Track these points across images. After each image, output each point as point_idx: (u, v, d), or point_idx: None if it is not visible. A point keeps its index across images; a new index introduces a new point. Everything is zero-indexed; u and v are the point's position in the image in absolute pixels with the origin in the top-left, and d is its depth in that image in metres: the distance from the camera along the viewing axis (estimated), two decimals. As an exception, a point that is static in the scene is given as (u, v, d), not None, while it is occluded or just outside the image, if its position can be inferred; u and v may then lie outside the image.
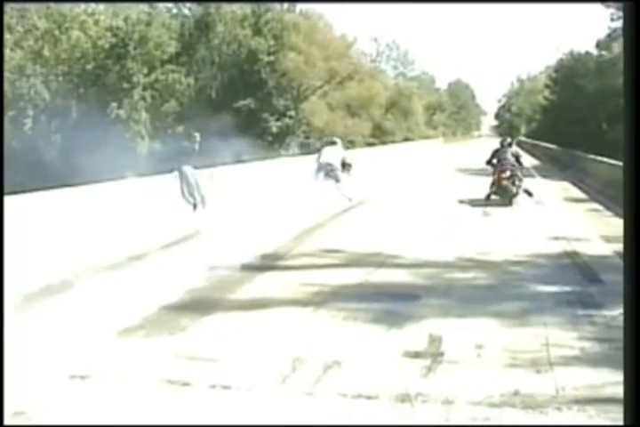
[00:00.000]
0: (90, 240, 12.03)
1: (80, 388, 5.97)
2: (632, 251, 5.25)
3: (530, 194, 20.76)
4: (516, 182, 20.17)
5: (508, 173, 20.13)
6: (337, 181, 20.97)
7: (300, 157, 34.36)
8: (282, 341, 7.21)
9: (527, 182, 22.88)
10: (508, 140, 22.48)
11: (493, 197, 20.36)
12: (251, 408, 5.57)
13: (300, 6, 57.12)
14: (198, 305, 8.67)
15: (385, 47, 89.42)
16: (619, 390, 5.77)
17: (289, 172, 24.21)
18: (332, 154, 21.61)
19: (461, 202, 20.61)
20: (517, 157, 21.05)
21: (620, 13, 45.30)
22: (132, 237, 13.26)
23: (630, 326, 5.04)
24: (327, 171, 21.07)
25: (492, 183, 20.51)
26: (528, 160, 45.54)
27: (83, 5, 47.08)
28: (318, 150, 22.69)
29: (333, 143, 22.40)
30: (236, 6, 52.55)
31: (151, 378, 6.16)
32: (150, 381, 6.10)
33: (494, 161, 20.87)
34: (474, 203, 20.24)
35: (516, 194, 20.07)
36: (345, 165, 21.64)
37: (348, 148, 36.88)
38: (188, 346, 7.04)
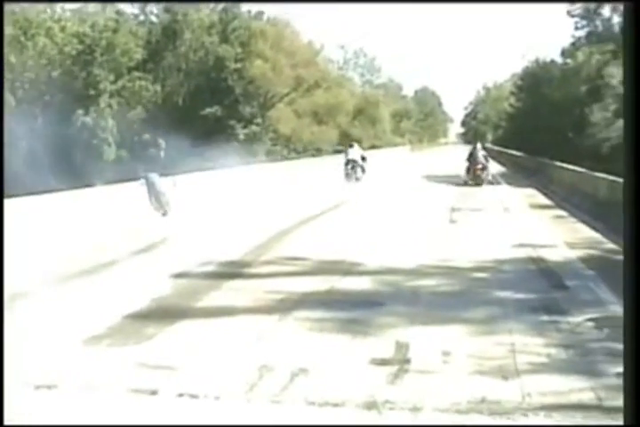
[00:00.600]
0: (57, 247, 11.97)
1: (46, 398, 5.92)
2: (632, 251, 5.27)
3: (492, 183, 30.79)
4: (485, 172, 30.46)
5: (480, 166, 30.33)
6: (362, 170, 32.98)
7: (266, 164, 34.43)
8: (248, 349, 7.20)
9: (493, 190, 24.95)
10: (479, 145, 32.35)
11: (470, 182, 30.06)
12: (218, 417, 5.55)
13: (267, 14, 57.15)
14: (164, 313, 8.65)
15: (352, 55, 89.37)
16: (584, 397, 5.84)
17: (253, 179, 24.27)
18: (355, 153, 33.48)
19: (427, 209, 20.73)
20: (485, 157, 31.15)
21: (584, 22, 45.74)
22: (99, 244, 13.22)
23: (630, 326, 5.07)
24: (353, 164, 32.82)
25: (467, 172, 30.78)
26: (494, 167, 45.98)
27: (49, 11, 46.82)
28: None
29: (352, 146, 34.60)
30: (203, 13, 52.50)
31: (118, 387, 6.12)
32: (117, 390, 6.07)
33: (471, 159, 30.86)
34: (439, 209, 20.35)
35: (484, 179, 30.06)
36: (363, 158, 33.51)
37: (314, 155, 40.24)
38: (155, 355, 7.01)
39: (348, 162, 33.00)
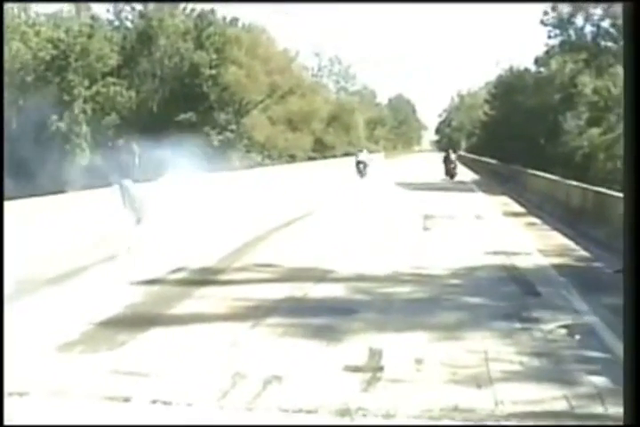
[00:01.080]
0: (29, 254, 11.91)
1: (19, 405, 5.88)
2: (632, 252, 5.30)
3: (453, 175, 43.66)
4: (455, 170, 43.94)
5: (452, 165, 43.80)
6: (366, 167, 44.74)
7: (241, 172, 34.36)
8: (222, 356, 7.19)
9: (467, 197, 25.09)
10: (451, 151, 45.76)
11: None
12: (191, 423, 5.54)
13: (242, 20, 57.12)
14: (137, 320, 8.62)
15: (327, 62, 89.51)
16: (556, 405, 5.86)
17: (229, 185, 24.24)
18: (363, 156, 45.85)
19: (400, 216, 20.76)
20: (456, 160, 45.62)
21: (557, 31, 46.09)
22: (71, 250, 13.17)
23: (630, 327, 5.09)
24: (363, 164, 44.64)
25: (446, 167, 43.94)
26: (468, 175, 46.55)
27: (23, 16, 46.61)
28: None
29: (361, 151, 47.43)
30: (178, 19, 52.41)
31: (91, 394, 6.09)
32: (90, 397, 6.04)
33: (446, 161, 44.48)
34: (412, 217, 20.36)
35: (455, 175, 43.38)
36: (367, 160, 46.12)
37: (288, 162, 42.07)
38: (128, 362, 6.98)
39: (358, 162, 45.13)
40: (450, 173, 43.46)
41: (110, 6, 52.92)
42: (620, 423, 5.03)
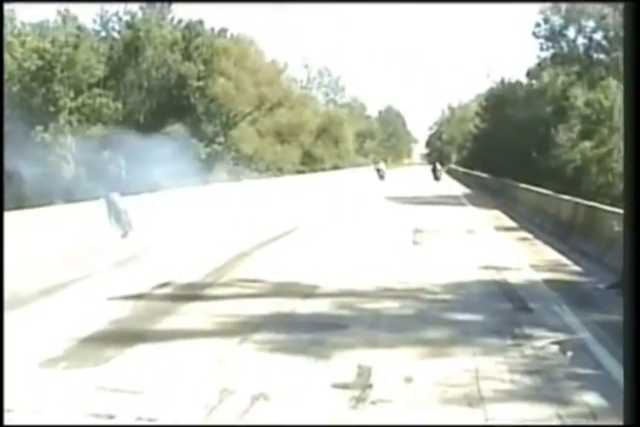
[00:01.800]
0: (14, 267, 11.78)
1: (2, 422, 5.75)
2: (632, 255, 5.22)
3: (438, 178, 64.45)
4: (440, 175, 65.93)
5: (438, 173, 65.39)
6: (384, 173, 62.66)
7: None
8: (208, 372, 7.08)
9: (458, 211, 25.11)
10: (438, 164, 68.79)
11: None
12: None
13: (230, 31, 57.13)
14: (123, 336, 8.50)
15: (316, 73, 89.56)
16: (548, 423, 5.76)
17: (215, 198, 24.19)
18: (381, 165, 64.75)
19: (389, 231, 20.69)
20: (441, 169, 68.09)
21: (549, 43, 46.24)
22: (54, 265, 13.06)
23: (630, 327, 5.04)
24: (382, 172, 62.28)
25: (434, 174, 65.42)
26: (459, 188, 46.50)
27: (9, 26, 46.47)
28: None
29: (378, 162, 68.29)
30: (165, 30, 52.35)
31: (76, 411, 5.98)
32: (75, 414, 5.93)
33: (434, 169, 67.29)
34: (401, 231, 20.28)
35: (439, 178, 64.20)
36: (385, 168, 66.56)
37: (276, 175, 42.47)
38: (113, 378, 6.88)
39: (378, 170, 62.54)
40: (436, 177, 63.05)
41: (97, 16, 52.91)
42: (621, 424, 4.95)
